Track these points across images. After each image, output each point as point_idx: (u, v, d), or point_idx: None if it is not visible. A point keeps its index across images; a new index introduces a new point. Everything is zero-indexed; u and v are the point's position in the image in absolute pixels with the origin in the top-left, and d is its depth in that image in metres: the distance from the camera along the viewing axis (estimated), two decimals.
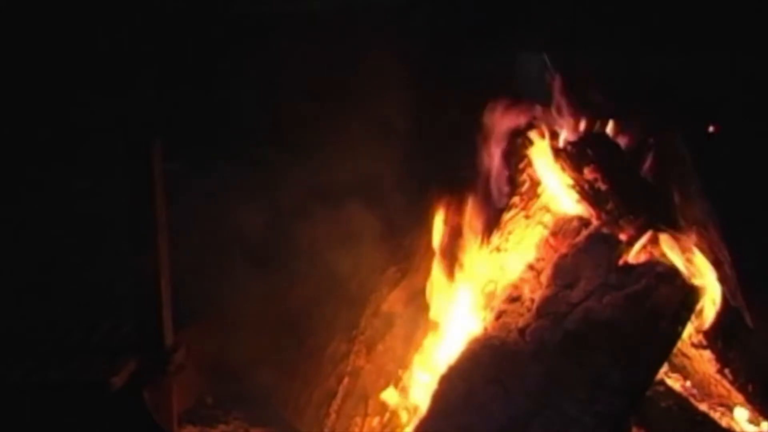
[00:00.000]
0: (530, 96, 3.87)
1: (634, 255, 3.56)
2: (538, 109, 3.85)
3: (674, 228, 3.65)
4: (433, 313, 3.84)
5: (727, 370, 3.69)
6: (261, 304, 4.27)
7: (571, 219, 3.70)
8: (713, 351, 3.69)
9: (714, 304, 3.58)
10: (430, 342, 3.83)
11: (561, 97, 3.83)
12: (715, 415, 3.72)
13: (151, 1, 4.24)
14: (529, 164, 3.83)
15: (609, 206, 3.69)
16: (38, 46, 4.44)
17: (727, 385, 3.70)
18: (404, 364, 3.87)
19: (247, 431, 4.10)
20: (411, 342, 3.90)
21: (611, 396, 3.31)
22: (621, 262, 3.56)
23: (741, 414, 3.69)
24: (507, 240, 3.79)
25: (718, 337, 3.68)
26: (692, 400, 3.75)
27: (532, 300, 3.53)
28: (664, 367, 3.67)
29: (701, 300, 3.53)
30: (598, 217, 3.68)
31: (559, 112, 3.85)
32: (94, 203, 4.41)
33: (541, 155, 3.80)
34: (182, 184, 4.02)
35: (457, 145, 4.03)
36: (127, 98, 3.93)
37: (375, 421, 3.85)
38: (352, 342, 3.97)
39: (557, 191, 3.76)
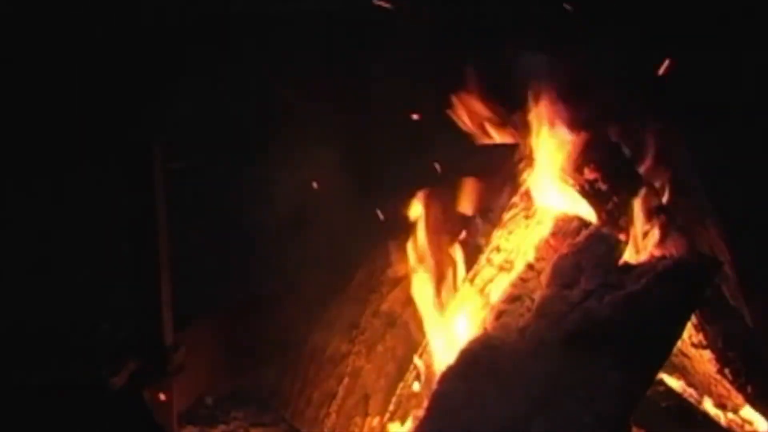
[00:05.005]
0: (531, 95, 3.86)
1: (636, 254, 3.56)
2: (539, 109, 3.85)
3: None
4: (432, 313, 3.84)
5: (727, 370, 3.69)
6: (261, 303, 4.28)
7: (571, 219, 3.70)
8: (713, 351, 3.69)
9: None
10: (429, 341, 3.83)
11: (561, 97, 3.82)
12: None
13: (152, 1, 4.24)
14: (529, 164, 3.83)
15: (609, 206, 3.69)
16: (38, 45, 4.44)
17: (727, 385, 3.70)
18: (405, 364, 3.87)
19: (247, 431, 4.10)
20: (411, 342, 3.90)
21: (611, 396, 3.31)
22: (621, 262, 3.56)
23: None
24: (507, 240, 3.79)
25: (718, 337, 3.69)
26: (692, 400, 3.76)
27: (532, 300, 3.53)
28: (664, 367, 3.67)
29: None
30: (598, 217, 3.68)
31: (559, 111, 3.84)
32: (94, 203, 4.41)
33: (541, 155, 3.80)
34: (182, 184, 4.02)
35: (457, 144, 4.03)
36: (128, 98, 3.93)
37: (375, 421, 3.85)
38: (352, 342, 3.97)
39: (557, 191, 3.76)
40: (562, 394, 3.31)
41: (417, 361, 3.79)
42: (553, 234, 3.69)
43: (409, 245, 3.85)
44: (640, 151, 3.82)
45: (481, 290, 3.76)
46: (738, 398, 3.70)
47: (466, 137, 3.99)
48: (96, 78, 4.37)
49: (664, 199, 3.76)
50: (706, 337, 3.68)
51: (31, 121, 4.51)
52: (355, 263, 4.09)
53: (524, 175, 3.86)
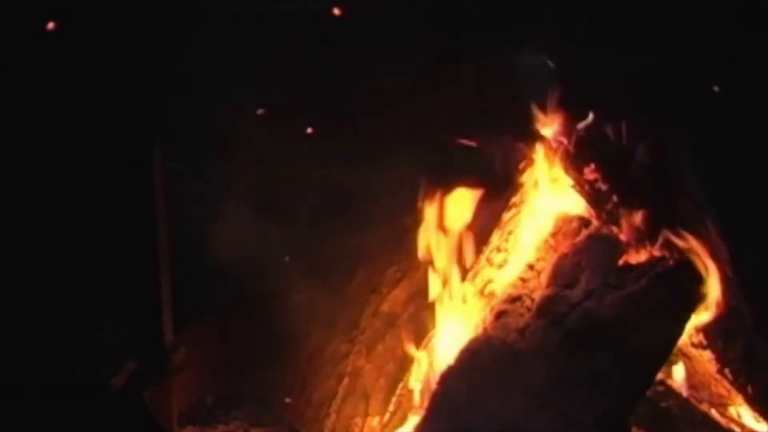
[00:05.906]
0: (531, 96, 3.87)
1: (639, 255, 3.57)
2: (539, 109, 3.85)
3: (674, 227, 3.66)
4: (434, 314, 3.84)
5: (727, 370, 3.69)
6: (261, 303, 4.28)
7: (571, 219, 3.70)
8: (713, 351, 3.69)
9: (714, 306, 3.57)
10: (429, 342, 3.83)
11: (561, 97, 3.82)
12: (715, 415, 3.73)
13: (152, 1, 4.24)
14: (530, 164, 3.83)
15: (609, 206, 3.69)
16: (39, 45, 4.44)
17: (727, 385, 3.70)
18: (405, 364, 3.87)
19: (247, 431, 4.10)
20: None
21: (611, 396, 3.31)
22: (621, 262, 3.56)
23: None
24: (507, 240, 3.79)
25: (718, 337, 3.68)
26: (692, 400, 3.76)
27: (532, 300, 3.53)
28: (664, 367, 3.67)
29: (703, 300, 3.53)
30: (598, 217, 3.68)
31: (560, 112, 3.84)
32: (94, 203, 4.41)
33: (541, 155, 3.80)
34: (182, 184, 4.02)
35: (456, 144, 4.03)
36: (128, 98, 3.93)
37: (375, 421, 3.85)
38: (352, 342, 3.97)
39: (557, 191, 3.76)
40: (562, 394, 3.31)
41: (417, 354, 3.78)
42: (553, 234, 3.69)
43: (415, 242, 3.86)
44: (640, 151, 3.81)
45: (481, 290, 3.76)
46: (738, 398, 3.70)
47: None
48: (96, 78, 4.37)
49: (664, 199, 3.76)
50: (706, 337, 3.68)
51: (32, 121, 4.51)
52: (356, 263, 4.09)
53: (524, 176, 3.86)
